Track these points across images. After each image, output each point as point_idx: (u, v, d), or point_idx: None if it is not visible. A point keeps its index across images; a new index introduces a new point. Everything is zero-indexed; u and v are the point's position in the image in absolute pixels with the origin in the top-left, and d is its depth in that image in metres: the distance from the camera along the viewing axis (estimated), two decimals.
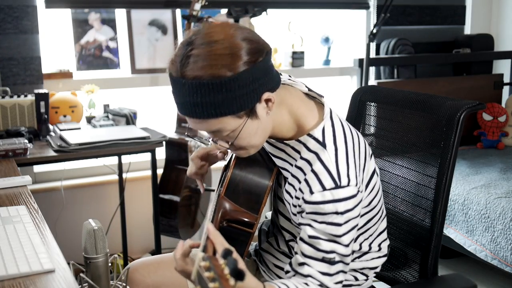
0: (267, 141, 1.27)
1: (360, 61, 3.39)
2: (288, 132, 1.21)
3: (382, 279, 1.57)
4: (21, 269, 1.01)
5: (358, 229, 1.27)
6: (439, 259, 1.45)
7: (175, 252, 1.14)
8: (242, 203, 1.22)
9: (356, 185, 1.15)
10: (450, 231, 2.68)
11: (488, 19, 4.01)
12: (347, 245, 1.15)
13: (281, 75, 1.25)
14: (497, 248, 2.44)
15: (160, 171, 2.79)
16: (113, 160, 2.88)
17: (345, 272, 1.18)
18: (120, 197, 2.88)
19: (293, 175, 1.21)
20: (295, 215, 1.23)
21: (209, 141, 1.21)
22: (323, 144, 1.17)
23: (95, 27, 2.94)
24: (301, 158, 1.19)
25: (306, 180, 1.15)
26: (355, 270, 1.35)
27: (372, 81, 3.50)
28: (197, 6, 2.77)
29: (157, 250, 2.59)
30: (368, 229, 1.30)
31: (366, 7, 3.55)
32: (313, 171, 1.15)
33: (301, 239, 1.16)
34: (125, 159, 2.87)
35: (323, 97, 1.25)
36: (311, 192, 1.13)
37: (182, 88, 1.06)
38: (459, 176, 2.84)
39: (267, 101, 1.11)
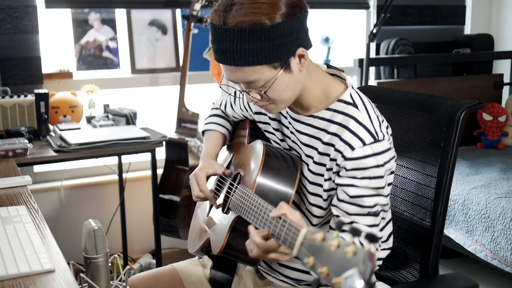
0: (296, 119, 1.29)
1: (360, 61, 3.39)
2: (314, 99, 1.25)
3: (382, 279, 1.57)
4: (21, 269, 1.01)
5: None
6: (439, 259, 1.45)
7: (254, 238, 1.10)
8: (270, 203, 1.22)
9: (389, 140, 1.22)
10: (450, 231, 2.68)
11: (488, 19, 4.01)
12: (387, 196, 1.23)
13: None
14: (497, 248, 2.44)
15: (160, 171, 2.79)
16: (113, 160, 2.88)
17: (385, 219, 1.25)
18: (120, 197, 2.88)
19: (325, 144, 1.23)
20: (327, 191, 1.25)
21: (241, 93, 1.24)
22: (354, 105, 1.23)
23: (95, 27, 2.94)
24: (334, 123, 1.23)
25: (343, 140, 1.20)
26: None
27: (372, 81, 3.51)
28: (197, 6, 2.77)
29: (157, 250, 2.59)
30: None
31: (366, 7, 3.55)
32: (349, 129, 1.20)
33: (342, 200, 1.20)
34: (125, 159, 2.87)
35: (343, 71, 1.31)
36: (352, 149, 1.18)
37: (223, 35, 1.11)
38: (459, 176, 2.84)
39: (301, 57, 1.16)
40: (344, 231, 1.17)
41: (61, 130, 2.42)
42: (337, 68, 1.32)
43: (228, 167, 1.46)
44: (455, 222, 2.67)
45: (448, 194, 1.40)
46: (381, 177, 1.19)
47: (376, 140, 1.18)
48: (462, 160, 3.15)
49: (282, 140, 1.38)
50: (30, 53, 2.69)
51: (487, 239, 2.49)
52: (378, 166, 1.18)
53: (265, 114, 1.39)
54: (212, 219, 1.43)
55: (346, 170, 1.19)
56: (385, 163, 1.19)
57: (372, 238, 0.82)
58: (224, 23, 1.10)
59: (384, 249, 1.37)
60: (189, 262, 1.53)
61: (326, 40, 3.53)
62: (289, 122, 1.32)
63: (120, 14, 3.01)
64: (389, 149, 1.21)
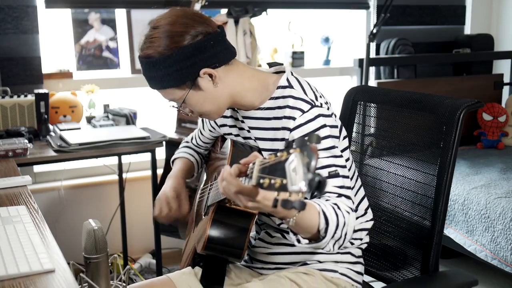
0: (248, 117, 1.36)
1: (360, 61, 3.39)
2: (254, 95, 1.34)
3: (382, 279, 1.57)
4: (21, 269, 1.01)
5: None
6: (439, 259, 1.45)
7: (225, 175, 1.10)
8: None
9: (328, 109, 1.31)
10: (450, 231, 2.68)
11: (488, 19, 4.01)
12: (341, 156, 1.28)
13: None
14: (497, 248, 2.44)
15: (160, 171, 2.79)
16: (113, 160, 2.88)
17: (350, 188, 1.27)
18: (120, 197, 2.88)
19: (274, 130, 1.32)
20: None
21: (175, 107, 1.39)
22: (290, 86, 1.33)
23: (95, 27, 2.94)
24: (277, 107, 1.32)
25: (285, 117, 1.29)
26: None
27: (372, 81, 3.50)
28: (197, 6, 2.77)
29: (157, 250, 2.59)
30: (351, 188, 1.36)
31: (366, 7, 3.55)
32: (288, 106, 1.30)
33: None
34: (125, 159, 2.87)
35: (282, 64, 1.41)
36: (294, 119, 1.27)
37: (141, 65, 1.31)
38: (459, 176, 2.84)
39: (210, 75, 1.28)
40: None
41: (61, 130, 2.42)
42: (276, 63, 1.42)
43: (205, 184, 1.52)
44: (455, 222, 2.67)
45: (448, 192, 1.41)
46: (328, 136, 1.25)
47: (313, 106, 1.27)
48: (462, 160, 3.15)
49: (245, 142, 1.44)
50: (30, 53, 2.69)
51: (487, 239, 2.49)
52: (322, 126, 1.25)
53: (226, 125, 1.48)
54: (196, 232, 1.46)
55: None
56: (329, 125, 1.26)
57: (317, 139, 0.86)
58: (140, 55, 1.30)
59: (367, 221, 1.43)
60: (183, 271, 1.53)
61: (326, 40, 3.53)
62: (243, 122, 1.40)
63: (120, 14, 3.01)
64: (329, 115, 1.29)
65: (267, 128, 1.34)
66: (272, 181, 0.87)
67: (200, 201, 1.51)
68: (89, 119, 2.70)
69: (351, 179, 1.38)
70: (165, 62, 1.26)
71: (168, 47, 1.25)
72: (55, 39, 2.94)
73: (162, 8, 3.03)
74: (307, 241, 1.15)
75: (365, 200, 1.45)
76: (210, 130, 1.59)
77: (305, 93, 1.31)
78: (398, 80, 3.49)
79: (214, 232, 1.29)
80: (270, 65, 1.44)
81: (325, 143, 1.25)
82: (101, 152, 2.28)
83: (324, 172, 1.22)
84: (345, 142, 1.38)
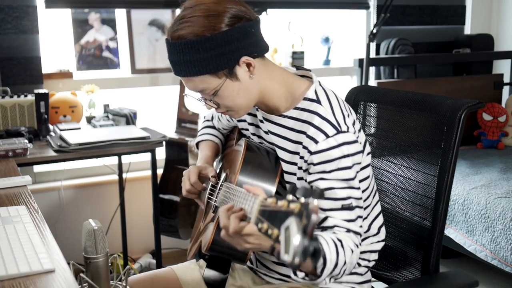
0: (269, 120, 1.31)
1: (360, 61, 3.39)
2: (279, 99, 1.27)
3: (383, 279, 1.57)
4: (21, 269, 1.01)
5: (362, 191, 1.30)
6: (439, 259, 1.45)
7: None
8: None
9: (354, 133, 1.23)
10: (450, 231, 2.68)
11: (488, 19, 4.01)
12: (359, 188, 1.22)
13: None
14: (497, 248, 2.44)
15: (160, 171, 2.79)
16: (113, 160, 2.88)
17: (362, 218, 1.24)
18: (120, 197, 2.88)
19: (294, 143, 1.26)
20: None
21: (200, 100, 1.28)
22: (318, 101, 1.25)
23: (95, 27, 2.94)
24: (300, 121, 1.25)
25: (308, 136, 1.22)
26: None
27: (372, 81, 3.50)
28: None
29: (157, 250, 2.59)
30: (366, 207, 1.33)
31: (366, 7, 3.55)
32: (313, 125, 1.22)
33: None
34: (125, 159, 2.87)
35: (310, 70, 1.34)
36: (316, 142, 1.20)
37: (170, 48, 1.19)
38: (459, 176, 2.83)
39: (248, 65, 1.20)
40: (320, 227, 1.19)
41: (61, 130, 2.42)
42: (304, 68, 1.35)
43: (219, 173, 1.48)
44: (455, 222, 2.67)
45: (449, 193, 1.41)
46: (349, 167, 1.19)
47: (339, 131, 1.20)
48: (462, 160, 3.15)
49: (260, 143, 1.40)
50: (30, 53, 2.69)
51: (487, 239, 2.49)
52: (344, 156, 1.19)
53: (244, 120, 1.43)
54: (205, 223, 1.44)
55: (314, 165, 1.20)
56: (352, 154, 1.20)
57: (319, 194, 0.84)
58: (171, 38, 1.19)
59: (378, 241, 1.38)
60: (187, 264, 1.53)
61: (326, 40, 3.53)
62: (262, 122, 1.35)
63: (120, 14, 3.01)
64: (354, 141, 1.22)
65: (288, 138, 1.28)
66: (269, 231, 0.85)
67: (211, 192, 1.47)
68: (89, 119, 2.70)
69: (370, 195, 1.34)
70: (204, 45, 1.15)
71: (208, 28, 1.14)
72: (55, 39, 2.94)
73: (162, 8, 3.03)
74: (303, 274, 1.11)
75: (380, 217, 1.39)
76: (228, 120, 1.53)
77: (333, 112, 1.23)
78: (398, 80, 3.49)
79: (219, 237, 1.28)
80: (297, 68, 1.37)
81: (344, 174, 1.19)
82: (101, 152, 2.28)
83: (338, 204, 1.19)
84: (368, 159, 1.32)
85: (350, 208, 1.20)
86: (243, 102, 1.24)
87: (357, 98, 1.69)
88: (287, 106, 1.28)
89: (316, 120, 1.22)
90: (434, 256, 1.42)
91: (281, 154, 1.30)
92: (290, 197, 0.86)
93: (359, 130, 1.31)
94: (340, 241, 1.16)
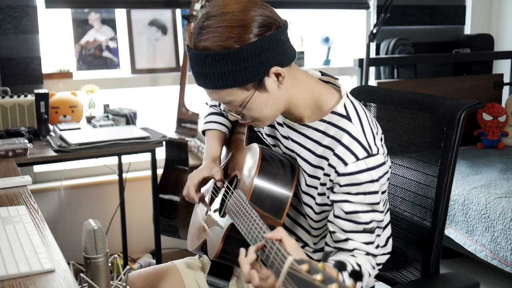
0: (290, 127, 1.27)
1: (360, 61, 3.39)
2: (305, 109, 1.22)
3: (383, 279, 1.57)
4: (21, 269, 1.01)
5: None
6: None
7: (244, 261, 1.04)
8: (266, 209, 1.21)
9: (383, 154, 1.19)
10: (450, 231, 2.68)
11: (488, 19, 4.01)
12: (382, 211, 1.20)
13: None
14: (497, 248, 2.44)
15: (160, 171, 2.79)
16: (113, 160, 2.88)
17: (379, 236, 1.22)
18: (120, 197, 2.88)
19: (319, 157, 1.21)
20: (320, 205, 1.23)
21: (224, 111, 1.22)
22: (348, 118, 1.19)
23: (95, 27, 2.94)
24: (328, 135, 1.20)
25: (336, 154, 1.17)
26: None
27: (372, 81, 3.50)
28: (197, 6, 2.77)
29: (157, 250, 2.59)
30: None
31: (366, 7, 3.55)
32: (342, 144, 1.17)
33: (337, 216, 1.18)
34: (125, 159, 2.87)
35: (337, 79, 1.28)
36: (345, 164, 1.15)
37: (194, 59, 1.11)
38: (459, 176, 2.83)
39: (277, 75, 1.14)
40: (329, 261, 1.16)
41: (61, 130, 2.42)
42: (331, 76, 1.29)
43: (226, 166, 1.45)
44: (455, 222, 2.67)
45: (449, 194, 1.41)
46: (376, 192, 1.17)
47: (370, 155, 1.16)
48: (462, 160, 3.15)
49: (274, 145, 1.37)
50: (30, 53, 2.69)
51: (487, 239, 2.49)
52: (372, 181, 1.15)
53: None
54: (210, 218, 1.43)
55: (340, 186, 1.16)
56: (380, 177, 1.17)
57: (357, 276, 0.80)
58: (194, 47, 1.11)
59: (384, 254, 1.36)
60: (189, 259, 1.53)
61: (326, 40, 3.53)
62: (282, 126, 1.30)
63: (120, 14, 3.01)
64: (383, 163, 1.18)
65: (311, 151, 1.23)
66: None
67: (215, 190, 1.43)
68: (89, 119, 2.70)
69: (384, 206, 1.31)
70: (233, 58, 1.07)
71: (237, 40, 1.07)
72: (55, 39, 2.94)
73: (162, 8, 3.03)
74: None
75: (389, 228, 1.36)
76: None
77: (363, 131, 1.18)
78: (398, 80, 3.49)
79: (227, 247, 1.27)
80: (323, 74, 1.30)
81: (371, 199, 1.16)
82: (101, 152, 2.28)
83: (360, 227, 1.17)
84: (388, 174, 1.27)
85: (371, 231, 1.18)
86: (270, 113, 1.19)
87: (357, 98, 1.68)
88: (312, 116, 1.23)
89: (346, 139, 1.17)
90: (434, 256, 1.42)
91: (302, 165, 1.25)
92: (322, 266, 0.80)
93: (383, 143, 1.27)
94: (360, 266, 1.15)
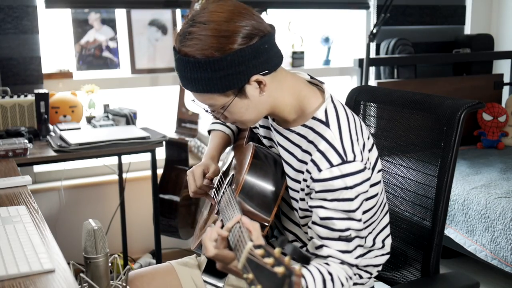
0: (277, 131, 1.29)
1: (360, 61, 3.39)
2: (290, 113, 1.24)
3: (383, 279, 1.57)
4: (21, 269, 1.01)
5: (364, 223, 1.28)
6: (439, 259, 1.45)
7: (207, 237, 1.10)
8: (255, 205, 1.22)
9: (362, 161, 1.18)
10: (450, 231, 2.68)
11: (488, 19, 4.01)
12: (360, 220, 1.18)
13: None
14: (497, 248, 2.44)
15: (160, 171, 2.79)
16: (113, 160, 2.88)
17: (362, 246, 1.21)
18: (120, 197, 2.88)
19: (299, 162, 1.22)
20: (302, 210, 1.24)
21: (207, 111, 1.25)
22: (326, 124, 1.20)
23: (95, 27, 2.94)
24: (308, 141, 1.21)
25: (312, 160, 1.18)
26: (359, 268, 1.35)
27: (372, 81, 3.51)
28: (197, 6, 2.77)
29: (157, 250, 2.59)
30: (372, 222, 1.31)
31: (366, 7, 3.55)
32: (319, 150, 1.17)
33: (314, 222, 1.18)
34: (125, 159, 2.87)
35: (323, 83, 1.29)
36: (319, 170, 1.16)
37: (178, 62, 1.15)
38: (459, 176, 2.83)
39: (259, 83, 1.16)
40: (314, 254, 1.18)
41: (61, 130, 2.42)
42: (318, 80, 1.30)
43: (229, 167, 1.46)
44: (455, 222, 2.67)
45: (449, 194, 1.41)
46: (351, 199, 1.15)
47: (344, 161, 1.15)
48: (462, 160, 3.15)
49: (270, 147, 1.38)
50: (30, 53, 2.69)
51: (487, 239, 2.49)
52: (346, 188, 1.14)
53: None
54: (210, 217, 1.44)
55: (316, 191, 1.17)
56: (355, 185, 1.15)
57: (306, 260, 0.82)
58: (178, 51, 1.14)
59: (383, 254, 1.36)
60: (187, 259, 1.54)
61: (326, 40, 3.53)
62: (271, 131, 1.32)
63: (120, 14, 3.01)
64: (361, 170, 1.16)
65: (294, 154, 1.24)
66: (252, 286, 0.83)
67: (218, 185, 1.45)
68: (89, 119, 2.70)
69: (377, 211, 1.31)
70: (213, 66, 1.10)
71: (218, 49, 1.09)
72: (55, 39, 2.94)
73: (162, 8, 3.03)
74: None
75: (387, 229, 1.36)
76: None
77: (341, 138, 1.17)
78: (398, 80, 3.49)
79: None
80: (311, 77, 1.32)
81: (345, 206, 1.15)
82: (101, 152, 2.28)
83: (335, 235, 1.16)
84: (378, 176, 1.28)
85: (348, 239, 1.17)
86: (251, 117, 1.21)
87: (357, 98, 1.69)
88: (297, 120, 1.24)
89: (322, 145, 1.17)
90: (434, 256, 1.42)
91: (286, 169, 1.26)
92: (277, 251, 0.84)
93: (372, 146, 1.27)
94: (331, 274, 1.14)
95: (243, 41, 1.11)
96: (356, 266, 1.20)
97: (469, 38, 3.78)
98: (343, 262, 1.17)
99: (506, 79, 3.83)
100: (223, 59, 1.10)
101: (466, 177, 2.83)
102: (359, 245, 1.20)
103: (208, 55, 1.10)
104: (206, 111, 1.24)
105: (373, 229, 1.33)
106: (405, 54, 3.52)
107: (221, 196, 1.34)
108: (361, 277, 1.36)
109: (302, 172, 1.21)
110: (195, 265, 1.51)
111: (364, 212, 1.22)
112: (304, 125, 1.23)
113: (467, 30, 3.94)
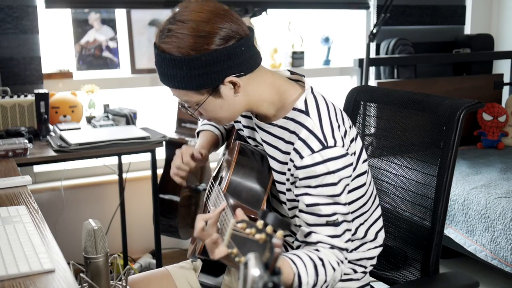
0: (260, 127, 1.31)
1: (360, 61, 3.39)
2: (268, 108, 1.26)
3: (382, 279, 1.57)
4: (21, 269, 1.01)
5: (353, 212, 1.30)
6: (439, 259, 1.45)
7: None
8: (244, 201, 1.24)
9: (343, 146, 1.20)
10: (450, 231, 2.68)
11: (488, 19, 4.01)
12: (345, 204, 1.20)
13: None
14: (497, 248, 2.44)
15: (160, 171, 2.79)
16: (113, 160, 2.88)
17: (351, 231, 1.22)
18: (120, 197, 2.88)
19: (283, 153, 1.25)
20: (290, 201, 1.26)
21: (183, 106, 1.28)
22: (306, 113, 1.22)
23: (95, 27, 2.94)
24: (290, 132, 1.24)
25: (295, 149, 1.20)
26: (352, 263, 1.36)
27: (372, 81, 3.51)
28: None
29: (157, 250, 2.59)
30: (363, 213, 1.33)
31: (366, 7, 3.55)
32: (300, 138, 1.20)
33: (301, 210, 1.20)
34: (125, 159, 2.87)
35: (304, 76, 1.31)
36: (301, 157, 1.18)
37: (156, 57, 1.18)
38: (459, 176, 2.84)
39: (233, 84, 1.18)
40: (304, 242, 1.20)
41: (61, 130, 2.42)
42: (297, 73, 1.32)
43: (219, 170, 1.48)
44: (455, 222, 2.67)
45: (448, 193, 1.41)
46: (334, 184, 1.17)
47: (325, 147, 1.17)
48: (462, 160, 3.15)
49: (255, 146, 1.39)
50: (30, 53, 2.69)
51: (487, 239, 2.49)
52: (329, 172, 1.16)
53: (240, 122, 1.42)
54: None
55: (300, 179, 1.19)
56: (338, 170, 1.17)
57: (286, 226, 0.85)
58: (157, 47, 1.17)
59: (375, 247, 1.38)
60: (182, 264, 1.54)
61: (326, 40, 3.53)
62: (257, 130, 1.33)
63: (120, 14, 3.01)
64: (342, 155, 1.18)
65: (277, 148, 1.27)
66: (237, 259, 0.86)
67: (209, 191, 1.47)
68: (89, 119, 2.70)
69: (367, 201, 1.33)
70: (189, 64, 1.13)
71: (195, 48, 1.12)
72: (55, 39, 2.94)
73: (162, 8, 3.03)
74: None
75: (379, 221, 1.38)
76: None
77: (321, 125, 1.20)
78: (398, 80, 3.49)
79: None
80: (291, 73, 1.34)
81: (329, 191, 1.17)
82: (101, 152, 2.28)
83: (322, 220, 1.18)
84: (364, 166, 1.30)
85: (335, 224, 1.18)
86: (226, 116, 1.24)
87: (357, 98, 1.69)
88: (276, 115, 1.26)
89: (303, 133, 1.20)
90: (433, 256, 1.42)
91: (271, 163, 1.29)
92: (260, 223, 0.86)
93: (356, 137, 1.29)
94: (322, 260, 1.15)
95: (220, 42, 1.13)
96: (346, 250, 1.21)
97: (469, 38, 3.78)
98: (333, 247, 1.18)
99: (506, 79, 3.83)
100: (198, 59, 1.12)
101: (466, 177, 2.83)
102: (347, 230, 1.21)
103: (184, 53, 1.12)
104: (183, 106, 1.27)
105: (365, 221, 1.35)
106: (405, 54, 3.52)
107: (212, 196, 1.35)
108: (355, 271, 1.36)
109: (286, 163, 1.23)
110: (191, 269, 1.52)
111: (355, 189, 1.25)
112: (286, 117, 1.25)
113: (467, 30, 3.94)
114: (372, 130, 1.65)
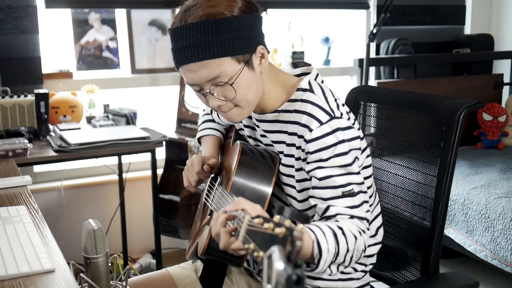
0: (262, 120, 1.30)
1: (360, 61, 3.39)
2: (277, 99, 1.27)
3: (383, 279, 1.57)
4: (21, 269, 1.01)
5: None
6: (439, 259, 1.45)
7: (216, 224, 1.08)
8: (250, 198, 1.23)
9: (349, 119, 1.21)
10: (450, 231, 2.68)
11: (488, 19, 4.01)
12: (358, 173, 1.20)
13: None
14: (497, 248, 2.44)
15: (160, 171, 2.79)
16: (113, 160, 2.88)
17: (368, 203, 1.21)
18: (120, 197, 2.88)
19: (290, 135, 1.24)
20: (300, 181, 1.25)
21: (208, 92, 1.18)
22: (310, 90, 1.24)
23: (95, 27, 2.94)
24: (295, 112, 1.23)
25: (303, 125, 1.20)
26: None
27: (372, 81, 3.51)
28: None
29: (157, 250, 2.59)
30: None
31: (366, 7, 3.55)
32: (306, 113, 1.20)
33: (314, 187, 1.19)
34: (125, 159, 2.87)
35: (310, 65, 1.33)
36: (310, 130, 1.18)
37: (185, 32, 1.12)
38: (459, 176, 2.83)
39: (261, 57, 1.18)
40: (323, 217, 1.18)
41: (61, 130, 2.42)
42: (304, 62, 1.34)
43: (216, 174, 1.48)
44: (455, 222, 2.67)
45: (448, 193, 1.41)
46: (345, 153, 1.17)
47: (332, 117, 1.18)
48: (462, 160, 3.15)
49: (256, 146, 1.39)
50: (30, 53, 2.69)
51: (487, 239, 2.49)
52: (339, 142, 1.17)
53: (241, 121, 1.40)
54: (203, 222, 1.44)
55: (311, 153, 1.18)
56: (347, 139, 1.18)
57: (305, 219, 0.83)
58: (185, 22, 1.13)
59: (375, 244, 1.37)
60: (183, 266, 1.54)
61: (326, 40, 3.53)
62: (258, 126, 1.33)
63: (120, 14, 3.01)
64: (349, 127, 1.20)
65: (283, 131, 1.26)
66: (255, 253, 0.84)
67: (208, 192, 1.47)
68: (89, 119, 2.70)
69: (371, 195, 1.33)
70: (228, 25, 1.11)
71: (229, 10, 1.12)
72: (55, 39, 2.94)
73: (162, 8, 3.03)
74: None
75: (379, 218, 1.38)
76: None
77: (326, 99, 1.21)
78: (398, 80, 3.49)
79: (214, 242, 1.27)
80: (297, 65, 1.35)
81: (341, 161, 1.17)
82: (101, 152, 2.28)
83: (338, 192, 1.16)
84: (368, 160, 1.31)
85: (351, 194, 1.17)
86: (253, 97, 1.20)
87: (357, 98, 1.69)
88: (279, 102, 1.27)
89: (309, 108, 1.20)
90: (433, 256, 1.42)
91: (278, 147, 1.29)
92: (277, 218, 0.85)
93: (363, 138, 1.29)
94: (341, 228, 1.12)
95: (246, 8, 1.15)
96: (367, 220, 1.18)
97: (469, 38, 3.78)
98: (352, 217, 1.16)
99: (506, 79, 3.82)
100: (234, 20, 1.12)
101: (466, 177, 2.83)
102: (365, 201, 1.19)
103: (222, 13, 1.11)
104: (205, 95, 1.18)
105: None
106: (405, 54, 3.52)
107: (213, 196, 1.35)
108: (355, 270, 1.36)
109: (294, 144, 1.23)
110: (192, 270, 1.51)
111: (365, 167, 1.26)
112: (290, 100, 1.25)
113: (467, 30, 3.94)
114: (372, 130, 1.65)
